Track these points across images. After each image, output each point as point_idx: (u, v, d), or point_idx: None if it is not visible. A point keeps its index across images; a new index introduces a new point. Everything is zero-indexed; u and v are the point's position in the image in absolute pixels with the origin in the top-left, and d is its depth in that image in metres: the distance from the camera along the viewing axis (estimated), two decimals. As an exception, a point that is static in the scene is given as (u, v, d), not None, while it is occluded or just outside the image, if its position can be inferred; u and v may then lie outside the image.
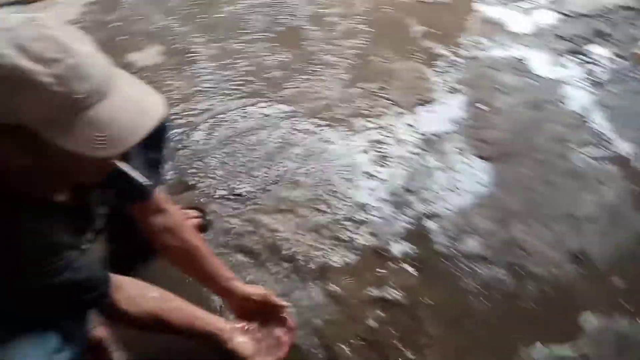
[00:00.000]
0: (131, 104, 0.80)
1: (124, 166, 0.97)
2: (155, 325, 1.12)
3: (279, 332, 1.26)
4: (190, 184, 1.81)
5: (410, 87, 2.14)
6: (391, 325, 1.36)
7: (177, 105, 2.14)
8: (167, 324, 1.12)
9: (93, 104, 0.75)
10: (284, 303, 1.30)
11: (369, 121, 2.00)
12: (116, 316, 1.09)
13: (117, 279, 1.08)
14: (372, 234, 1.59)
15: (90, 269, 1.01)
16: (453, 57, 2.35)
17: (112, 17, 2.73)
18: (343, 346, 1.32)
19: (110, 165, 0.91)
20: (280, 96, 2.15)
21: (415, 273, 1.48)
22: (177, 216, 1.29)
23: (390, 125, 1.97)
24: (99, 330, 1.35)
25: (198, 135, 1.99)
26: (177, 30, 2.63)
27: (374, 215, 1.65)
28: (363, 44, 2.41)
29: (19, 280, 0.91)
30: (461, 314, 1.38)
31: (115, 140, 0.77)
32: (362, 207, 1.68)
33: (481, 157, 1.83)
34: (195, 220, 1.64)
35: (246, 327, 1.25)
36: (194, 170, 1.84)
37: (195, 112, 2.11)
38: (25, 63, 0.69)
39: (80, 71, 0.73)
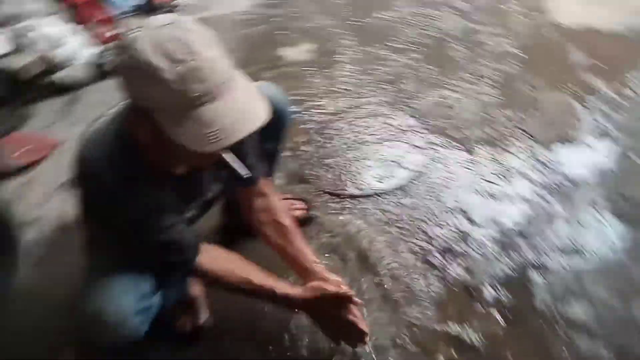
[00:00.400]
0: (236, 108, 0.88)
1: (228, 158, 1.06)
2: (233, 287, 1.21)
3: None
4: (305, 177, 1.90)
5: (553, 122, 1.95)
6: (460, 367, 1.29)
7: (310, 102, 2.26)
8: (248, 285, 1.20)
9: (203, 104, 0.85)
10: (356, 299, 1.29)
11: (496, 149, 1.88)
12: (200, 276, 1.21)
13: (206, 246, 1.20)
14: (468, 270, 1.51)
15: (185, 236, 1.14)
16: (613, 96, 2.08)
17: (277, 12, 2.96)
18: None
19: (214, 156, 1.01)
20: (411, 108, 2.13)
21: (502, 323, 1.36)
22: (275, 199, 1.38)
23: (519, 158, 1.83)
24: (195, 289, 1.51)
25: (323, 134, 2.08)
26: (331, 30, 2.75)
27: (475, 251, 1.55)
28: (512, 67, 2.26)
29: (126, 230, 1.07)
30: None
31: (213, 140, 0.86)
32: (465, 238, 1.60)
33: (618, 217, 1.60)
34: (299, 212, 1.73)
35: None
36: (312, 166, 1.93)
37: (326, 112, 2.20)
38: (156, 60, 0.81)
39: (199, 74, 0.83)
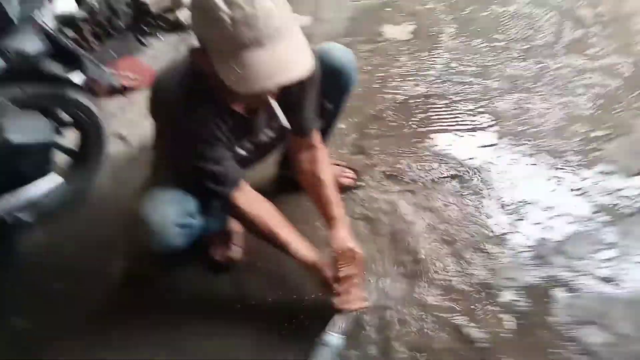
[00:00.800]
0: (279, 59, 0.98)
1: (274, 104, 1.17)
2: (261, 231, 1.35)
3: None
4: (366, 150, 1.98)
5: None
6: (456, 358, 1.32)
7: (394, 81, 2.30)
8: (272, 233, 1.34)
9: (249, 49, 0.96)
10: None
11: (567, 164, 1.80)
12: (234, 213, 1.37)
13: (246, 187, 1.34)
14: (491, 270, 1.51)
15: (228, 170, 1.29)
16: None
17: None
18: (400, 350, 1.36)
19: (259, 100, 1.13)
20: (492, 107, 2.09)
21: (512, 329, 1.37)
22: (321, 154, 1.48)
23: (590, 177, 1.74)
24: (234, 224, 1.68)
25: (395, 114, 2.13)
26: (437, 16, 2.73)
27: (506, 254, 1.54)
28: (617, 85, 2.10)
29: (178, 153, 1.25)
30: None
31: (250, 83, 0.97)
32: (500, 241, 1.59)
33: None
34: (348, 180, 1.83)
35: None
36: (376, 142, 2.00)
37: (405, 94, 2.23)
38: (219, 2, 0.94)
39: (252, 21, 0.95)
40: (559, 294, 1.42)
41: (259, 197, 1.38)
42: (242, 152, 1.38)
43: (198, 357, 1.42)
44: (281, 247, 1.36)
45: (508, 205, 1.70)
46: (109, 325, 1.54)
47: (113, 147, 2.04)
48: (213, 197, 1.34)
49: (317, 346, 1.32)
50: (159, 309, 1.56)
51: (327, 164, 1.49)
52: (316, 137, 1.47)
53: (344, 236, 1.38)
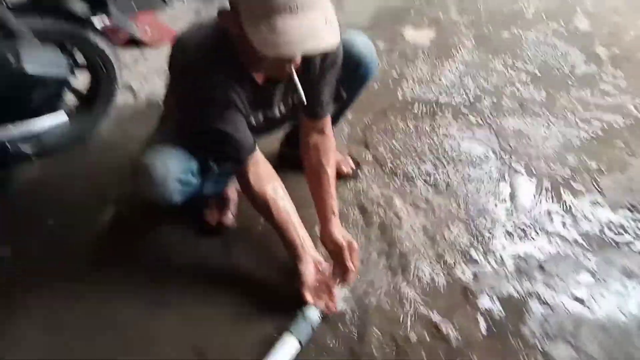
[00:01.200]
0: (308, 27, 1.00)
1: (295, 78, 1.18)
2: (261, 206, 1.38)
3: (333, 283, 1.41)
4: (369, 143, 2.01)
5: (632, 189, 1.86)
6: (426, 351, 1.36)
7: (406, 82, 2.34)
8: (271, 213, 1.37)
9: (280, 14, 0.98)
10: (352, 268, 1.42)
11: (560, 189, 1.85)
12: (241, 182, 1.38)
13: (259, 157, 1.36)
14: (475, 276, 1.55)
15: (245, 136, 1.30)
16: None
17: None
18: (375, 335, 1.39)
19: (283, 69, 1.15)
20: (496, 124, 2.14)
21: (484, 332, 1.41)
22: (329, 142, 1.50)
23: (579, 205, 1.79)
24: (232, 190, 1.70)
25: (402, 115, 2.17)
26: (458, 28, 2.77)
27: (490, 264, 1.59)
28: (620, 124, 2.15)
29: (192, 114, 1.26)
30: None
31: (279, 47, 0.99)
32: (487, 250, 1.63)
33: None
34: (346, 169, 1.85)
35: (321, 266, 1.41)
36: (380, 138, 2.04)
37: (415, 97, 2.27)
38: None
39: None
40: (535, 307, 1.47)
41: (270, 172, 1.39)
42: (253, 123, 1.39)
43: (176, 313, 1.44)
44: (280, 230, 1.39)
45: (496, 217, 1.74)
46: (91, 267, 1.55)
47: (121, 98, 2.05)
48: (226, 161, 1.35)
49: (297, 318, 1.34)
50: (144, 261, 1.58)
51: (333, 154, 1.51)
52: (327, 123, 1.49)
53: (341, 229, 1.43)
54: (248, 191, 1.38)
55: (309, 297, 1.37)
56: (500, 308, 1.46)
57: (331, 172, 1.49)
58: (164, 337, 1.39)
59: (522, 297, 1.50)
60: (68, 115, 1.76)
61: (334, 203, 1.48)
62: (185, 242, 1.64)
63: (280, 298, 1.46)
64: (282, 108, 1.44)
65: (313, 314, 1.36)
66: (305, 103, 1.22)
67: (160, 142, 1.36)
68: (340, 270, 1.42)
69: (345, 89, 1.53)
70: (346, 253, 1.41)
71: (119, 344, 1.37)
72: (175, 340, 1.38)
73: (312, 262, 1.39)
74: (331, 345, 1.36)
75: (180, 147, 1.34)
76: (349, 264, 1.40)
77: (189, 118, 1.30)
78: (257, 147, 1.34)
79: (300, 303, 1.38)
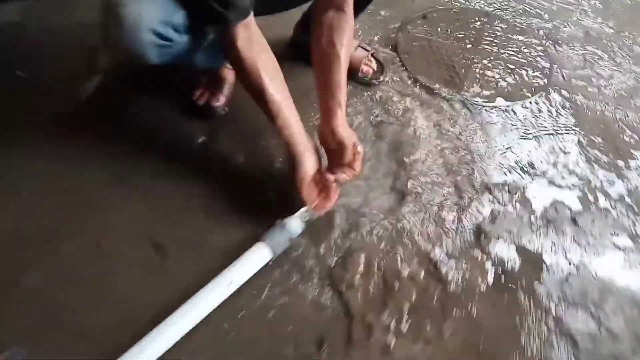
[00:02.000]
0: None
1: None
2: (250, 78, 1.11)
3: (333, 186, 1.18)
4: (399, 46, 1.70)
5: None
6: (418, 291, 1.15)
7: None
8: (263, 88, 1.10)
9: None
10: (351, 174, 1.18)
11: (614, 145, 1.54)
12: (228, 46, 1.11)
13: (253, 25, 1.08)
14: (492, 216, 1.31)
15: None
16: None
17: None
18: (361, 262, 1.18)
19: None
20: (551, 50, 1.79)
21: (490, 281, 1.18)
22: (348, 23, 1.21)
23: (631, 166, 1.50)
24: (228, 72, 1.44)
25: (442, 20, 1.82)
26: None
27: (513, 205, 1.34)
28: None
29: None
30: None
31: None
32: (512, 190, 1.37)
33: None
34: (367, 68, 1.57)
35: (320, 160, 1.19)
36: (415, 43, 1.72)
37: (464, 2, 1.91)
38: None
39: None
40: (557, 264, 1.23)
41: (264, 44, 1.12)
42: None
43: (141, 199, 1.24)
44: (270, 111, 1.12)
45: (537, 156, 1.46)
46: (59, 132, 1.34)
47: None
48: (212, 21, 1.08)
49: (275, 228, 1.13)
50: (119, 134, 1.36)
51: (349, 36, 1.22)
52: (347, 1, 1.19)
53: (347, 127, 1.17)
54: (237, 63, 1.11)
55: (305, 192, 1.15)
56: (516, 257, 1.23)
57: (344, 56, 1.20)
58: (121, 223, 1.19)
59: (544, 249, 1.25)
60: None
61: (343, 94, 1.19)
62: (168, 122, 1.41)
63: (261, 201, 1.25)
64: None
65: (294, 225, 1.14)
66: None
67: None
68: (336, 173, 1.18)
69: None
70: (349, 153, 1.16)
71: (71, 217, 1.18)
72: (132, 228, 1.18)
73: (313, 153, 1.16)
74: (307, 265, 1.15)
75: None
76: (349, 169, 1.16)
77: None
78: (252, 14, 1.06)
79: (284, 210, 1.16)
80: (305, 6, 1.43)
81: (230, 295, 1.07)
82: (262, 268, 1.11)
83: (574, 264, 1.24)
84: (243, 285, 1.09)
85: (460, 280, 1.17)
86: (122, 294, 1.07)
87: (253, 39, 1.07)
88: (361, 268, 1.16)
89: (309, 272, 1.14)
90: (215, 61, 1.37)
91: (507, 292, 1.17)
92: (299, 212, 1.17)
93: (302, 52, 1.55)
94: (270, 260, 1.12)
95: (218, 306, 1.04)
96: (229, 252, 1.13)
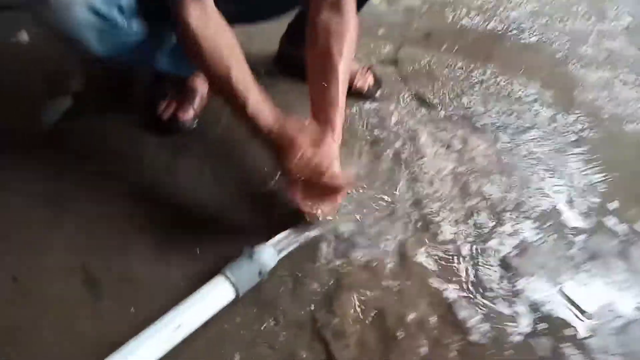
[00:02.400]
0: None
1: None
2: (210, 65, 0.89)
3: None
4: (398, 63, 1.53)
5: None
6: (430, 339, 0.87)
7: (464, 8, 1.83)
8: (225, 72, 0.88)
9: None
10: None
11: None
12: (182, 30, 0.90)
13: (210, 5, 0.89)
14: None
15: None
16: None
17: None
18: (352, 303, 0.91)
19: None
20: (564, 73, 1.60)
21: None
22: (347, 25, 1.00)
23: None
24: (198, 81, 1.25)
25: (445, 38, 1.66)
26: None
27: (541, 233, 1.08)
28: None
29: None
30: None
31: None
32: (529, 213, 1.12)
33: None
34: (363, 84, 1.37)
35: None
36: (415, 60, 1.54)
37: (470, 23, 1.76)
38: None
39: None
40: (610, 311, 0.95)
41: (223, 24, 0.90)
42: None
43: (79, 220, 1.00)
44: (237, 98, 0.89)
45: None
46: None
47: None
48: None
49: (242, 258, 0.88)
50: (83, 149, 1.16)
51: (349, 44, 0.99)
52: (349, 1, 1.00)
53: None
54: (191, 42, 0.88)
55: (300, 201, 0.91)
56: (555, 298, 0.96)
57: (343, 69, 0.97)
58: (57, 247, 0.95)
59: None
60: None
61: (338, 114, 0.97)
62: (130, 138, 1.20)
63: (228, 227, 1.02)
64: None
65: (266, 255, 0.89)
66: None
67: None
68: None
69: None
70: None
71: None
72: (60, 258, 0.94)
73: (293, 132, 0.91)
74: (283, 307, 0.89)
75: None
76: (329, 202, 0.93)
77: None
78: None
79: (256, 236, 0.92)
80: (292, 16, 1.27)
81: (179, 344, 0.80)
82: (223, 309, 0.85)
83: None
84: (198, 330, 0.82)
85: (485, 328, 0.89)
86: (41, 343, 0.82)
87: (210, 17, 0.88)
88: (353, 311, 0.89)
89: (284, 315, 0.88)
90: (183, 66, 1.16)
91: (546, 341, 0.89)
92: (275, 238, 0.92)
93: (289, 66, 1.38)
94: (234, 299, 0.86)
95: (163, 357, 0.78)
96: (182, 289, 0.88)
